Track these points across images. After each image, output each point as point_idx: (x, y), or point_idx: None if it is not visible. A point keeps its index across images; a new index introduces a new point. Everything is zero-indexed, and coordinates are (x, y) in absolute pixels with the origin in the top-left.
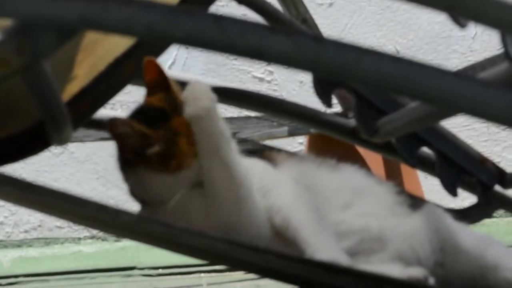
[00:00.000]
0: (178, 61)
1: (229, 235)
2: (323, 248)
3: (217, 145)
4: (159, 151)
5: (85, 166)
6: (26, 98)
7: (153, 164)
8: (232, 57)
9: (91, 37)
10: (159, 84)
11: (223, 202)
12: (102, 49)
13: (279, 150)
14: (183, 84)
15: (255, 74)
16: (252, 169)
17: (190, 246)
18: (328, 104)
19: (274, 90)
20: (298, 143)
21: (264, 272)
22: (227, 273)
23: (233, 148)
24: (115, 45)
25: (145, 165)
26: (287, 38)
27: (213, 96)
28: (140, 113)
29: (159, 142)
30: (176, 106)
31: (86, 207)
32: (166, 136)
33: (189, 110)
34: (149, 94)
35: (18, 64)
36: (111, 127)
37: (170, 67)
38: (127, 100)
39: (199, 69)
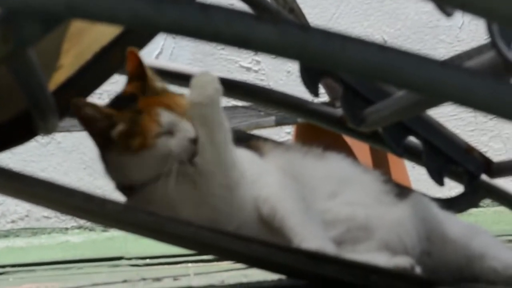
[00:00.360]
0: (165, 51)
1: (216, 226)
2: (310, 237)
3: (214, 132)
4: (122, 131)
5: (72, 156)
6: (12, 87)
7: (118, 145)
8: (219, 46)
9: (77, 26)
10: (138, 74)
11: (215, 189)
12: (88, 38)
13: (266, 140)
14: (170, 73)
15: (243, 63)
16: (239, 159)
17: (177, 235)
18: (315, 93)
19: (262, 79)
20: (286, 133)
21: (251, 261)
22: (215, 263)
23: (229, 138)
24: (102, 34)
25: (113, 148)
26: (273, 27)
27: (219, 87)
28: (114, 101)
29: (122, 122)
30: (146, 91)
31: (72, 197)
32: (129, 116)
33: (193, 96)
34: (128, 83)
35: (3, 52)
36: (75, 109)
37: (157, 57)
38: (114, 90)
39: (186, 58)
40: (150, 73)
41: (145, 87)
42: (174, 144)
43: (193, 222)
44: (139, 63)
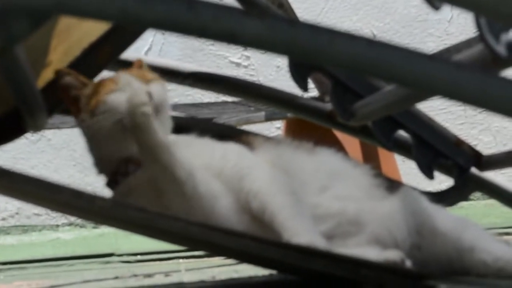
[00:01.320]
0: (154, 47)
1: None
2: (300, 232)
3: (155, 154)
4: (87, 94)
5: (62, 153)
6: (1, 85)
7: (84, 110)
8: (208, 42)
9: (65, 23)
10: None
11: (167, 184)
12: (77, 34)
13: (256, 135)
14: (159, 69)
15: (232, 59)
16: (229, 153)
17: (166, 231)
18: (304, 88)
19: (251, 75)
20: (276, 128)
21: (241, 256)
22: (206, 259)
23: (172, 149)
24: (90, 30)
25: (82, 117)
26: (261, 22)
27: (145, 107)
28: None
29: (90, 86)
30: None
31: (62, 194)
32: (99, 82)
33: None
34: None
35: None
36: (57, 77)
37: (146, 53)
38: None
39: (175, 54)
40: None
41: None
42: (125, 97)
43: (182, 218)
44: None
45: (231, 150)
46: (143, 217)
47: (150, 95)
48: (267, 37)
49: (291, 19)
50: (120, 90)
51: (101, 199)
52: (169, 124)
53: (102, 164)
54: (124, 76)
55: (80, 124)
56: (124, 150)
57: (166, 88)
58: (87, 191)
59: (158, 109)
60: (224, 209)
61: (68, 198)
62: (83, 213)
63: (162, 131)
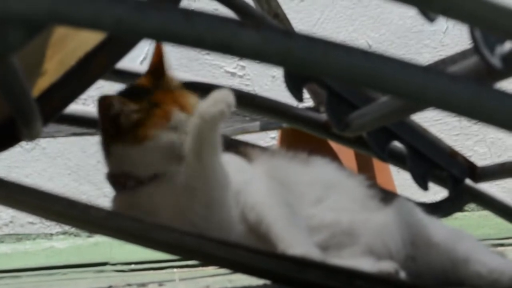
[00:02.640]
0: (150, 56)
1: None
2: (295, 243)
3: (203, 150)
4: (135, 120)
5: (56, 161)
6: None
7: (126, 134)
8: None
9: (61, 32)
10: (157, 70)
11: (195, 205)
12: (72, 44)
13: (253, 146)
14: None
15: (228, 69)
16: (226, 165)
17: (161, 241)
18: (299, 98)
19: (247, 85)
20: (270, 138)
21: (235, 266)
22: (200, 268)
23: (218, 159)
24: (86, 40)
25: (120, 137)
26: (256, 33)
27: (227, 111)
28: (127, 90)
29: (136, 112)
30: (163, 86)
31: (56, 203)
32: (144, 107)
33: (201, 107)
34: (146, 75)
35: None
36: (102, 105)
37: (141, 62)
38: (98, 96)
39: (171, 64)
40: (169, 76)
41: (159, 84)
42: (176, 137)
43: (177, 228)
44: (161, 60)
45: (229, 162)
46: (137, 227)
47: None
48: (262, 48)
49: (286, 30)
50: (172, 129)
51: (96, 208)
52: None
53: (117, 163)
54: (176, 114)
55: (115, 144)
56: (146, 168)
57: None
58: (82, 201)
59: None
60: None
61: (63, 207)
62: (77, 222)
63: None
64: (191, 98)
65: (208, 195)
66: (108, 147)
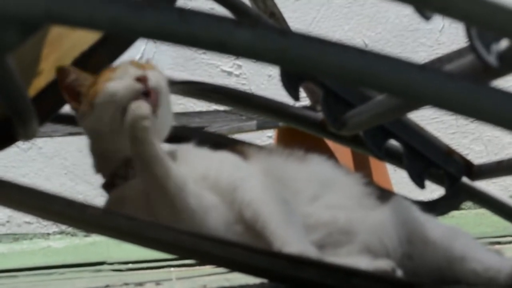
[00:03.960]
0: (146, 56)
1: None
2: (291, 241)
3: (149, 166)
4: (88, 84)
5: (53, 161)
6: None
7: (84, 103)
8: (200, 51)
9: (56, 32)
10: None
11: (162, 210)
12: (68, 43)
13: (249, 144)
14: None
15: (224, 68)
16: (223, 162)
17: (157, 240)
18: (296, 97)
19: (243, 84)
20: (267, 137)
21: (232, 265)
22: (197, 267)
23: (166, 161)
24: (81, 39)
25: (82, 110)
26: (252, 31)
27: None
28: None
29: (90, 78)
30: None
31: (53, 202)
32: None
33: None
34: None
35: None
36: (59, 76)
37: None
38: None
39: (167, 63)
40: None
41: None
42: (121, 85)
43: (173, 227)
44: None
45: (225, 160)
46: (134, 226)
47: (146, 79)
48: (258, 46)
49: (282, 29)
50: (118, 78)
51: (93, 208)
52: (170, 116)
53: (101, 163)
54: (121, 64)
55: (81, 118)
56: (124, 149)
57: (163, 76)
58: (79, 200)
59: (155, 101)
60: (216, 221)
61: (60, 207)
62: (74, 222)
63: (159, 137)
64: (149, 64)
65: (169, 199)
66: (83, 128)
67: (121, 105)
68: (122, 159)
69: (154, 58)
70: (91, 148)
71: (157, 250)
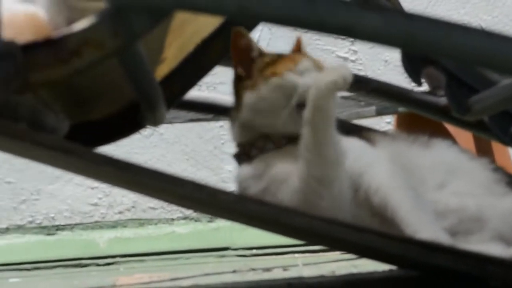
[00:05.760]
0: (261, 42)
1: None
2: (423, 227)
3: (320, 123)
4: (265, 61)
5: (174, 147)
6: (116, 82)
7: (255, 76)
8: (315, 37)
9: (179, 18)
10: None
11: (308, 178)
12: (190, 30)
13: (374, 130)
14: None
15: (339, 53)
16: (350, 148)
17: (290, 226)
18: (418, 82)
19: (359, 69)
20: (386, 123)
21: (363, 251)
22: (322, 254)
23: (334, 134)
24: (202, 25)
25: (249, 82)
26: (379, 15)
27: (342, 81)
28: None
29: (267, 56)
30: None
31: (182, 187)
32: (274, 54)
33: (317, 77)
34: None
35: (114, 46)
36: (234, 36)
37: None
38: (213, 82)
39: (282, 49)
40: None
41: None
42: (302, 81)
43: (306, 213)
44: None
45: (352, 145)
46: (265, 211)
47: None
48: (384, 30)
49: (408, 13)
50: (298, 73)
51: (223, 193)
52: None
53: (242, 132)
54: (304, 61)
55: (243, 87)
56: (271, 127)
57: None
58: (209, 185)
59: None
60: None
61: (189, 191)
62: (203, 206)
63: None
64: (321, 63)
65: (322, 169)
66: (239, 100)
67: (293, 97)
68: (263, 133)
69: (270, 44)
70: (236, 116)
71: (287, 236)
